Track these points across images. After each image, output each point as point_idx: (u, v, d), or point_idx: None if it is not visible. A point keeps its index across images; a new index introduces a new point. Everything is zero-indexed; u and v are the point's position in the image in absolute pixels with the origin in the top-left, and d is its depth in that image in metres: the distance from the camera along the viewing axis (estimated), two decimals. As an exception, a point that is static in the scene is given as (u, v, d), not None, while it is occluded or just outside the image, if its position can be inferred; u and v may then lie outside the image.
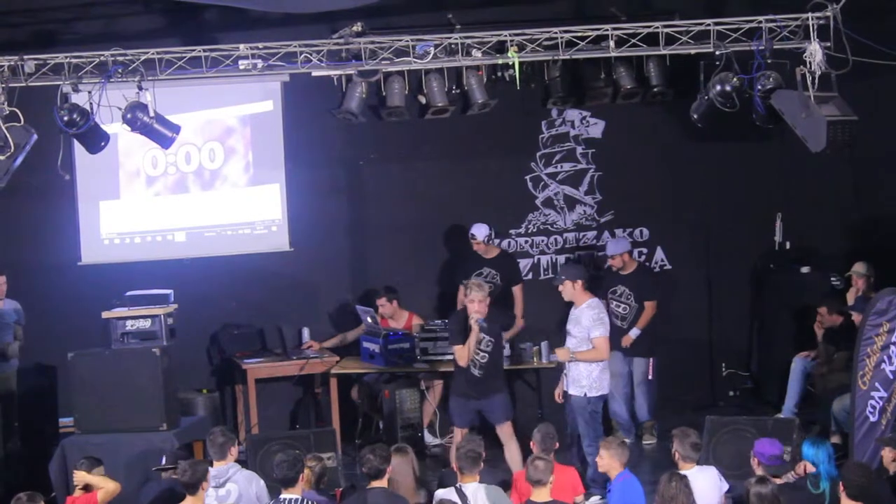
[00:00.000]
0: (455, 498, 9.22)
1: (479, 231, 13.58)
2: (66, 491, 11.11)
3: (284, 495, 9.09)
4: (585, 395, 11.44)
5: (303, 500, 9.06)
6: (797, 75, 10.97)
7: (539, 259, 14.55)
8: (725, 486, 9.59)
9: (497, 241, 13.97)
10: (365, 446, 9.65)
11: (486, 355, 11.53)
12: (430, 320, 13.60)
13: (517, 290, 13.70)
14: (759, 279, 14.65)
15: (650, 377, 13.22)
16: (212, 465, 9.77)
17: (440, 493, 9.32)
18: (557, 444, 10.11)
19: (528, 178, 14.60)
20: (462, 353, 11.50)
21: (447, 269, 14.33)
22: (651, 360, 13.21)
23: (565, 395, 11.64)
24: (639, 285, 13.20)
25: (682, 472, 9.29)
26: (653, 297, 13.21)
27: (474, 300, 11.48)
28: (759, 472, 9.22)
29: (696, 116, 11.65)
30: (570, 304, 12.29)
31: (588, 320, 11.45)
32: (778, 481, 9.10)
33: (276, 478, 9.25)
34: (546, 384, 13.07)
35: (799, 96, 10.92)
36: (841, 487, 8.61)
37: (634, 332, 13.10)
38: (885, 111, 13.35)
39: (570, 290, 11.59)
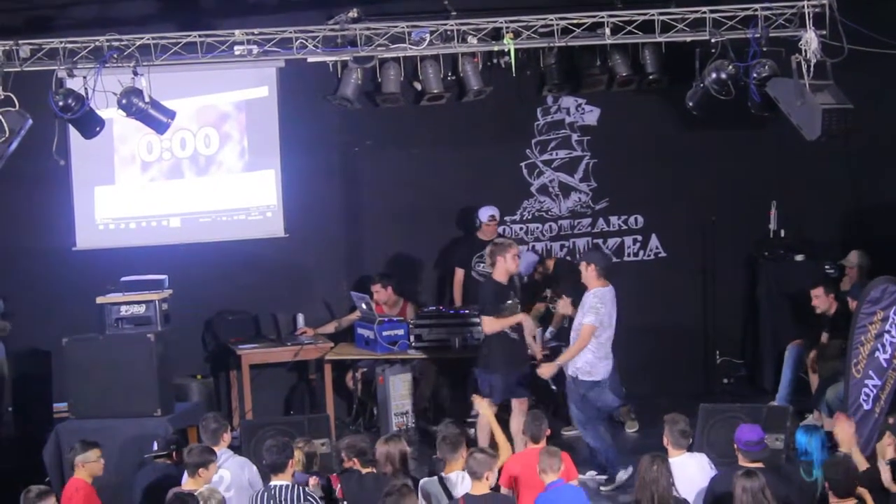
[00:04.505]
0: (437, 487, 9.24)
1: (496, 211, 13.79)
2: (60, 476, 11.14)
3: (274, 482, 9.10)
4: (577, 377, 11.46)
5: (293, 487, 9.07)
6: (793, 63, 10.96)
7: (534, 246, 14.55)
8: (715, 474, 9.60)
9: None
10: (359, 432, 9.68)
11: None
12: (425, 307, 13.62)
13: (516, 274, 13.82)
14: (754, 267, 14.64)
15: None
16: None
17: (423, 483, 9.30)
18: (549, 431, 10.10)
19: (523, 165, 14.60)
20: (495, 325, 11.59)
21: (446, 252, 14.35)
22: None
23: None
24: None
25: (672, 458, 9.32)
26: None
27: None
28: (740, 458, 9.21)
29: (691, 104, 11.64)
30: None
31: (586, 306, 11.45)
32: (748, 465, 9.07)
33: (265, 463, 9.27)
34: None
35: (794, 84, 10.91)
36: (827, 487, 8.61)
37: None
38: (881, 99, 13.36)
39: (584, 272, 11.58)
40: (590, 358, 11.45)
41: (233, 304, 13.96)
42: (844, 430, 9.66)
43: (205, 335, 14.01)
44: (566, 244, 14.59)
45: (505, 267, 11.62)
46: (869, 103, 12.39)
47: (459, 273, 13.98)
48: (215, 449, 9.77)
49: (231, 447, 10.15)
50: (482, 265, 13.77)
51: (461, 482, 9.21)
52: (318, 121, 13.99)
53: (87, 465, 9.70)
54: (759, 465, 9.13)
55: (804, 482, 9.37)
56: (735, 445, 9.32)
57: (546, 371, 11.66)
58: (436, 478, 9.30)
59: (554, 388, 11.81)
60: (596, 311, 11.39)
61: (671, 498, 8.68)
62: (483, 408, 10.67)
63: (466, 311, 13.16)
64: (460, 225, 14.23)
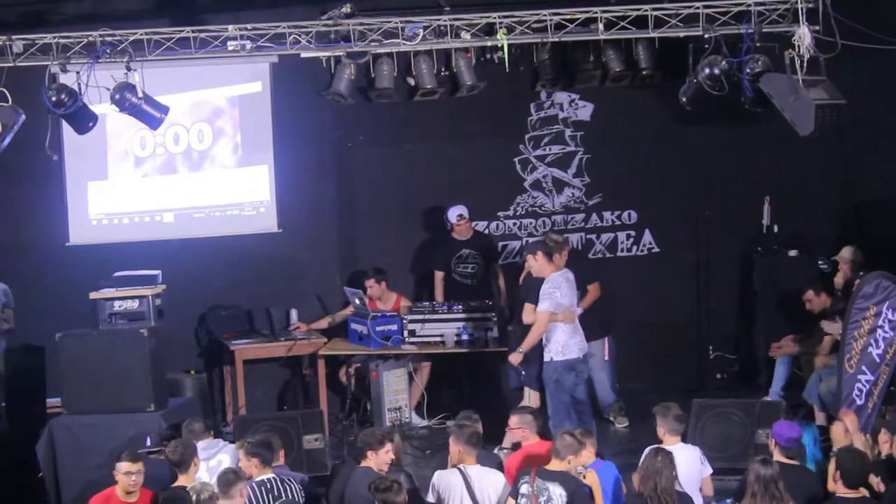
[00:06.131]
0: (457, 478, 9.25)
1: (464, 210, 13.65)
2: (53, 471, 11.15)
3: (259, 476, 9.19)
4: (552, 359, 11.54)
5: (277, 479, 9.18)
6: (786, 58, 10.96)
7: (527, 241, 14.52)
8: (708, 470, 9.60)
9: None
10: (352, 427, 9.69)
11: None
12: (419, 302, 13.62)
13: (498, 267, 13.92)
14: (747, 262, 14.64)
15: (606, 358, 13.11)
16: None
17: (441, 474, 9.37)
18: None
19: (516, 160, 14.60)
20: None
21: (421, 254, 14.37)
22: (606, 340, 13.11)
23: None
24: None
25: (667, 446, 9.33)
26: (592, 280, 13.00)
27: None
28: (776, 453, 9.22)
29: (684, 99, 11.65)
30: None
31: (542, 293, 11.55)
32: (784, 460, 9.08)
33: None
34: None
35: (787, 80, 10.91)
36: (837, 476, 8.59)
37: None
38: (874, 95, 13.37)
39: (532, 263, 11.71)
40: (561, 338, 11.54)
41: (226, 300, 13.96)
42: (839, 429, 9.67)
43: (198, 330, 14.01)
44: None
45: (558, 263, 11.80)
46: (862, 98, 12.39)
47: (439, 276, 13.96)
48: (207, 439, 9.88)
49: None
50: (462, 266, 13.79)
51: (481, 477, 9.27)
52: (311, 116, 13.99)
53: (118, 476, 9.59)
54: (794, 462, 9.16)
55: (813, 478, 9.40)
56: (772, 440, 9.33)
57: (514, 358, 11.77)
58: (456, 469, 9.32)
59: (523, 373, 11.85)
60: (549, 297, 11.50)
61: (674, 490, 8.71)
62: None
63: (460, 306, 13.15)
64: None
